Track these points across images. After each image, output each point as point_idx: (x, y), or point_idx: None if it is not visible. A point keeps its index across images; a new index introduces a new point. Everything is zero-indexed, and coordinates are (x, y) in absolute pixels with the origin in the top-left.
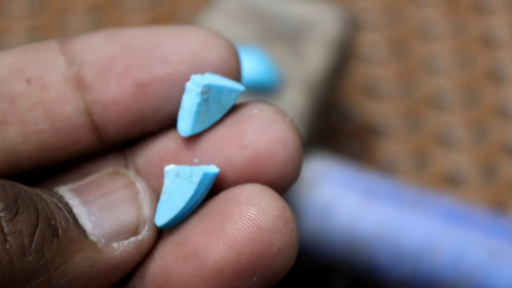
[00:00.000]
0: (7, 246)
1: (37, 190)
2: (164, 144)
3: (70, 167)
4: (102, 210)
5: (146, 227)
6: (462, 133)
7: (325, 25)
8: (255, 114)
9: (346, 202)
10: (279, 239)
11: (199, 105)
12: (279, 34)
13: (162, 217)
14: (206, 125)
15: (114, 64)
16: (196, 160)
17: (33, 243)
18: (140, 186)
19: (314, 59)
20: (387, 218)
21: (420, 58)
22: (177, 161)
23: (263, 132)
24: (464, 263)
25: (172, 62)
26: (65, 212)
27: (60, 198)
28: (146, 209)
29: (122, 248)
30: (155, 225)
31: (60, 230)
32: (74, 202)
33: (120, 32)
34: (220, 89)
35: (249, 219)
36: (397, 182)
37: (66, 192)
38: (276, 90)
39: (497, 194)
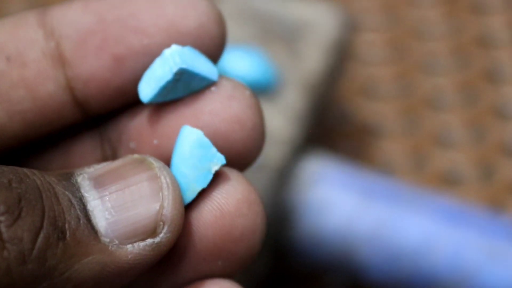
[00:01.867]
0: (5, 254)
1: (52, 180)
2: (129, 122)
3: (50, 141)
4: (119, 207)
5: (165, 229)
6: (460, 133)
7: (323, 25)
8: (212, 92)
9: (344, 202)
10: (242, 223)
11: (168, 82)
12: (277, 34)
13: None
14: (167, 98)
15: (90, 37)
16: (155, 142)
17: (34, 250)
18: (165, 180)
19: (312, 60)
20: (385, 218)
21: (418, 58)
22: (138, 140)
23: (219, 112)
24: (462, 263)
25: (148, 32)
26: (78, 210)
27: (75, 192)
28: (167, 209)
29: (137, 250)
30: (175, 227)
31: (68, 232)
32: (90, 196)
33: (97, 0)
34: (193, 75)
35: (212, 202)
36: (395, 182)
37: (86, 180)
38: (274, 91)
39: (495, 194)
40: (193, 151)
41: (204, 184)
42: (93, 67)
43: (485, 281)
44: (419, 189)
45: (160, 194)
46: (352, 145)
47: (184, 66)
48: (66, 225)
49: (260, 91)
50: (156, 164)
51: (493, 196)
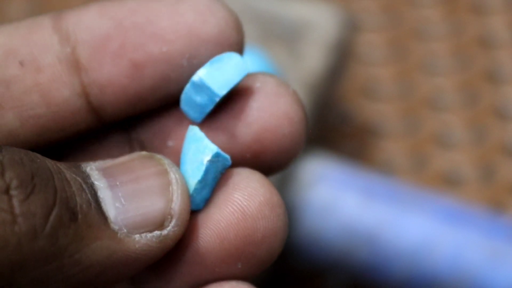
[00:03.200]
0: (16, 228)
1: (62, 167)
2: (165, 120)
3: (74, 145)
4: (128, 197)
5: (173, 222)
6: (460, 134)
7: (323, 26)
8: (258, 88)
9: (345, 202)
10: (264, 225)
11: (211, 108)
12: (278, 35)
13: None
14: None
15: (108, 43)
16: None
17: (47, 227)
18: (174, 176)
19: (313, 60)
20: (386, 218)
21: (419, 58)
22: (178, 138)
23: (268, 108)
24: (462, 263)
25: (167, 39)
26: (89, 195)
27: (86, 178)
28: (175, 203)
29: (144, 241)
30: (182, 221)
31: (79, 214)
32: (101, 184)
33: (113, 6)
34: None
35: (234, 204)
36: (396, 182)
37: (94, 171)
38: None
39: (495, 194)
40: (190, 146)
41: (198, 176)
42: (110, 73)
43: (486, 281)
44: (419, 189)
45: (170, 188)
46: (352, 145)
47: (223, 92)
48: (78, 208)
49: None
50: (165, 160)
51: (493, 196)
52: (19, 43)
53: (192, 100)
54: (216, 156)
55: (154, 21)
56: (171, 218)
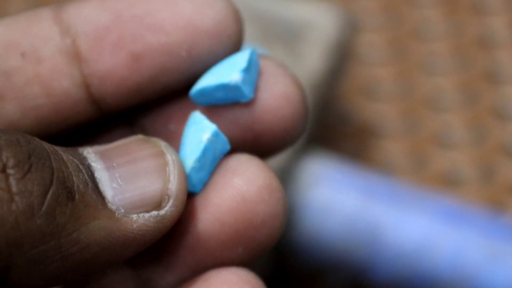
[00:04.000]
0: (14, 207)
1: (58, 149)
2: (167, 105)
3: (75, 137)
4: (125, 178)
5: (170, 203)
6: (460, 134)
7: (323, 26)
8: (259, 68)
9: (345, 202)
10: (264, 210)
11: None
12: (278, 35)
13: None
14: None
15: (107, 34)
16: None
17: (44, 205)
18: (170, 158)
19: (313, 60)
20: (386, 218)
21: (419, 58)
22: (179, 122)
23: (268, 89)
24: (462, 263)
25: (166, 31)
26: (86, 176)
27: (83, 160)
28: (172, 183)
29: (142, 221)
30: (179, 202)
31: (76, 194)
32: (97, 166)
33: None
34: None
35: (234, 188)
36: (396, 182)
37: (91, 154)
38: None
39: (495, 194)
40: (190, 129)
41: (196, 154)
42: (109, 65)
43: (486, 282)
44: (419, 189)
45: (166, 169)
46: (352, 145)
47: (252, 95)
48: (75, 187)
49: None
50: (162, 143)
51: (493, 197)
52: (20, 35)
53: (212, 94)
54: (215, 135)
55: (153, 13)
56: (168, 198)
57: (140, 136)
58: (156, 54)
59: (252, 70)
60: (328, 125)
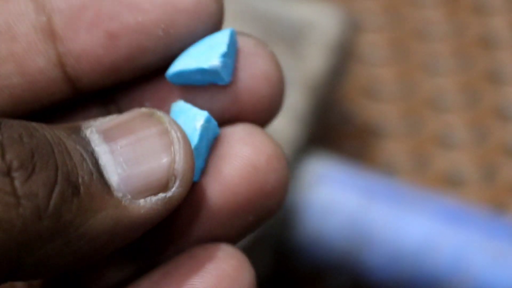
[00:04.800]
0: (21, 210)
1: (62, 135)
2: (143, 82)
3: (51, 116)
4: (130, 162)
5: (177, 183)
6: (462, 134)
7: (325, 26)
8: (237, 48)
9: (346, 202)
10: (274, 177)
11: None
12: (279, 35)
13: None
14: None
15: (83, 12)
16: (178, 98)
17: (50, 206)
18: (175, 135)
19: (314, 60)
20: (387, 218)
21: (420, 59)
22: (154, 99)
23: (247, 69)
24: (464, 263)
25: (142, 9)
26: (90, 165)
27: (86, 146)
28: (178, 163)
29: (149, 205)
30: (186, 181)
31: (81, 187)
32: (101, 150)
33: None
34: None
35: (244, 158)
36: (397, 182)
37: (94, 133)
38: None
39: (497, 194)
40: (178, 119)
41: (194, 142)
42: (85, 43)
43: (487, 282)
44: (421, 190)
45: (172, 148)
46: (354, 146)
47: (230, 79)
48: (80, 180)
49: None
50: (166, 118)
51: (495, 197)
52: None
53: (189, 77)
54: (208, 120)
55: None
56: (175, 178)
57: (144, 110)
58: (133, 33)
59: (231, 52)
60: (330, 125)
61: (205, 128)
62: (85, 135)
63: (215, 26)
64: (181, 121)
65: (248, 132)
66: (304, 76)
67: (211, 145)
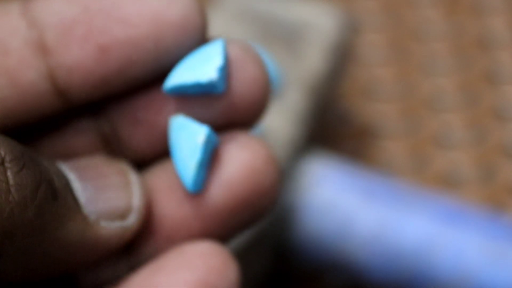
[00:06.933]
0: (10, 197)
1: (37, 156)
2: (137, 98)
3: (43, 129)
4: (96, 189)
5: (133, 216)
6: (461, 134)
7: (324, 26)
8: (227, 55)
9: (345, 202)
10: (269, 178)
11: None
12: (278, 35)
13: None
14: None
15: (75, 27)
16: (172, 107)
17: (36, 200)
18: (133, 177)
19: (313, 61)
20: (386, 218)
21: (419, 59)
22: (152, 110)
23: (238, 76)
24: (462, 264)
25: (132, 23)
26: (64, 181)
27: (60, 168)
28: (135, 200)
29: (110, 228)
30: (141, 215)
31: (59, 195)
32: (71, 177)
33: None
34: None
35: (243, 161)
36: (396, 182)
37: (63, 166)
38: (275, 92)
39: (495, 195)
40: (180, 135)
41: (197, 158)
42: (77, 57)
43: (486, 282)
44: (419, 190)
45: (130, 186)
46: (353, 146)
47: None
48: (58, 189)
49: None
50: (123, 163)
51: (493, 197)
52: None
53: (187, 90)
54: (209, 135)
55: (120, 6)
56: (132, 211)
57: (103, 157)
58: (123, 47)
59: (225, 63)
60: (328, 126)
61: (206, 143)
62: (57, 164)
63: (201, 38)
64: (182, 135)
65: (245, 138)
66: (303, 76)
67: (211, 155)
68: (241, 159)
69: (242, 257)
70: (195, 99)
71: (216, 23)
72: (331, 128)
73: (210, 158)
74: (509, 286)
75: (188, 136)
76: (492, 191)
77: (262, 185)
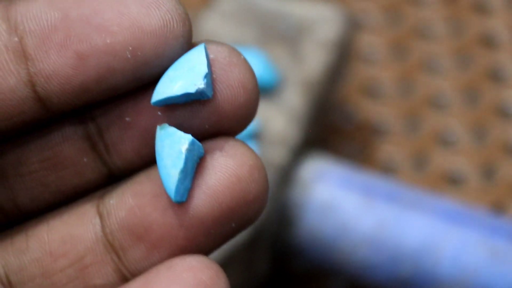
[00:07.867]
0: None
1: None
2: (125, 103)
3: (25, 133)
4: None
5: None
6: (461, 134)
7: (324, 25)
8: (212, 60)
9: (345, 202)
10: (255, 187)
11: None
12: (278, 34)
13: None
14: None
15: (54, 33)
16: (159, 113)
17: None
18: None
19: (314, 60)
20: (387, 218)
21: (420, 58)
22: (139, 113)
23: (223, 79)
24: (463, 263)
25: (111, 31)
26: None
27: None
28: None
29: None
30: None
31: None
32: None
33: None
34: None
35: (228, 170)
36: (397, 182)
37: None
38: (275, 91)
39: (497, 194)
40: (164, 143)
41: (180, 166)
42: (55, 64)
43: (487, 282)
44: (420, 190)
45: None
46: (353, 145)
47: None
48: None
49: (261, 91)
50: None
51: (495, 197)
52: None
53: (175, 100)
54: (192, 143)
55: (100, 13)
56: None
57: None
58: (101, 55)
59: (209, 68)
60: (329, 125)
61: (189, 151)
62: None
63: (183, 48)
64: (166, 143)
65: (230, 146)
66: (304, 75)
67: (196, 165)
68: (226, 167)
69: (242, 257)
70: (183, 105)
71: (216, 23)
72: (331, 127)
73: (195, 167)
74: (509, 285)
75: (171, 144)
76: (494, 191)
77: (247, 194)
